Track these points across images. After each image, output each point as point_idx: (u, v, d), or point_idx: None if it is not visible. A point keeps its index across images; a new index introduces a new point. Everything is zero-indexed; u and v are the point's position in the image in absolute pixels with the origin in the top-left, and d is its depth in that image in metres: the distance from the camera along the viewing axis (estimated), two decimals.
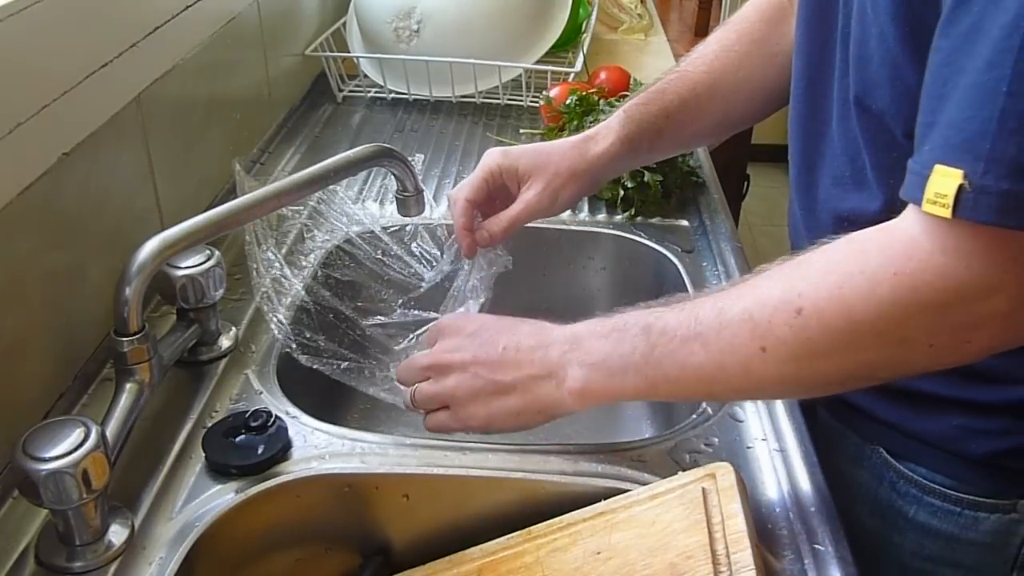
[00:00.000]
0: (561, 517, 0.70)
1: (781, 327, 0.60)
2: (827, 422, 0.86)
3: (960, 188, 0.52)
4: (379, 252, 0.93)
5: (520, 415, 0.72)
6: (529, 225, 1.12)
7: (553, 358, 0.69)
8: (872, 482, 0.84)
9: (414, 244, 0.92)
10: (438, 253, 0.91)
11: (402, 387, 0.80)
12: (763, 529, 0.69)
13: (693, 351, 0.64)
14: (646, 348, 0.66)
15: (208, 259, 0.83)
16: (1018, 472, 0.77)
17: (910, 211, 0.58)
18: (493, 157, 0.87)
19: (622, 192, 1.13)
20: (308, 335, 0.86)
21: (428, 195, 1.12)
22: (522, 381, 0.70)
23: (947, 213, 0.53)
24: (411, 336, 0.87)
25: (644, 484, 0.71)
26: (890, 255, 0.57)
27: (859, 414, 0.84)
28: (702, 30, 4.38)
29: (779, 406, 0.81)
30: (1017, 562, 0.79)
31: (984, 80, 0.52)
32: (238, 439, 0.75)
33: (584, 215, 1.14)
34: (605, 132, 0.89)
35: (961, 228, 0.54)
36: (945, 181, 0.53)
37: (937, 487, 0.79)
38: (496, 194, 0.88)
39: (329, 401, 1.02)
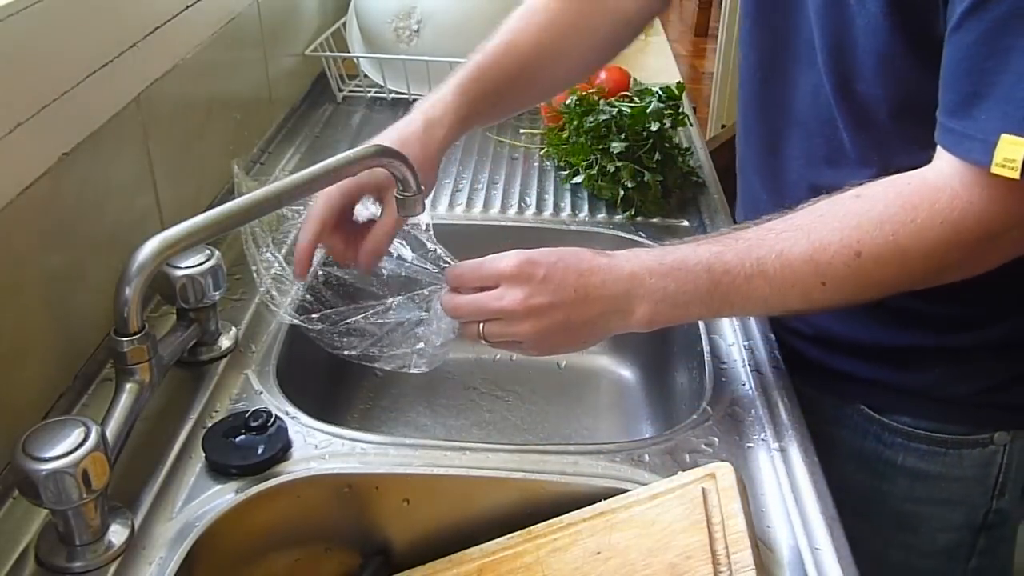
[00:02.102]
0: (561, 517, 0.70)
1: (841, 267, 0.70)
2: (800, 389, 0.88)
3: None
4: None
5: (588, 343, 0.80)
6: (529, 226, 1.13)
7: (619, 295, 0.75)
8: (856, 439, 0.89)
9: (409, 244, 0.92)
10: (436, 251, 0.91)
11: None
12: (763, 529, 0.69)
13: (757, 286, 0.72)
14: (710, 285, 0.73)
15: (208, 259, 0.83)
16: (995, 407, 0.84)
17: (947, 167, 0.68)
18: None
19: (622, 192, 1.13)
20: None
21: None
22: (594, 317, 0.76)
23: (1015, 175, 0.63)
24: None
25: (644, 484, 0.71)
26: (937, 208, 0.68)
27: (837, 377, 0.89)
28: (702, 30, 4.40)
29: (779, 406, 0.81)
30: (996, 490, 0.87)
31: None
32: (238, 439, 0.75)
33: (584, 215, 1.15)
34: (442, 113, 0.88)
35: (996, 181, 0.64)
36: (1014, 148, 0.62)
37: (922, 432, 0.86)
38: (362, 193, 0.85)
39: (329, 401, 1.02)
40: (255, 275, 0.87)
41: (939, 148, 0.69)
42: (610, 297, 0.75)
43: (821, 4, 0.77)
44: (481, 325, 0.77)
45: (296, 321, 0.85)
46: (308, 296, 0.93)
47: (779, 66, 0.85)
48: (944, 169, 0.68)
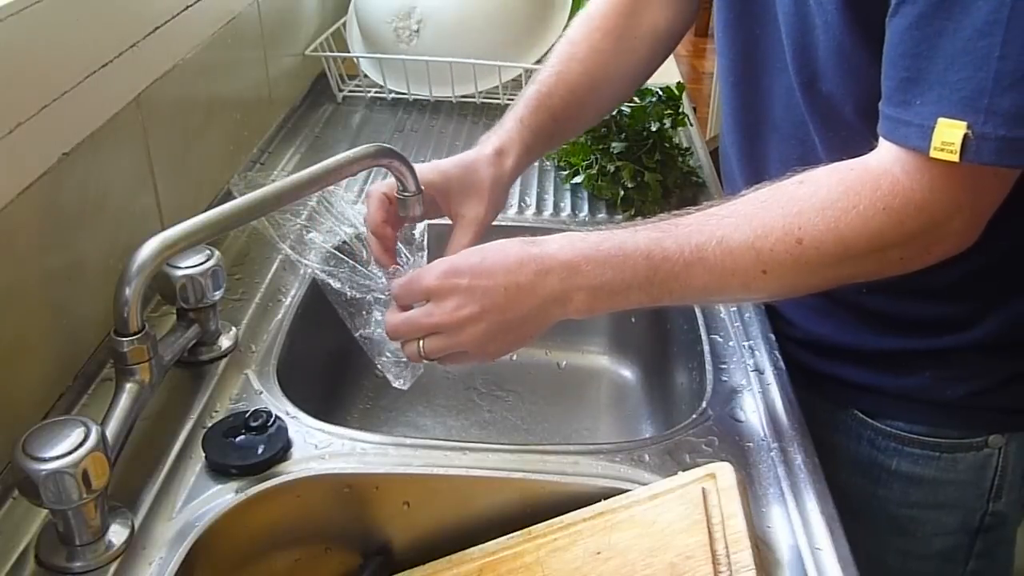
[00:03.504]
0: (561, 517, 0.70)
1: (782, 255, 0.69)
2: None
3: (965, 137, 0.62)
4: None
5: (532, 336, 0.76)
6: (529, 226, 1.13)
7: (554, 285, 0.73)
8: (850, 444, 0.89)
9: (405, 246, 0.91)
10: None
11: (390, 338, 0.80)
12: (763, 529, 0.69)
13: (696, 273, 0.71)
14: (648, 271, 0.72)
15: (208, 259, 0.83)
16: (988, 410, 0.84)
17: (888, 154, 0.68)
18: (427, 174, 0.86)
19: (622, 192, 1.13)
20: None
21: None
22: (531, 312, 0.74)
23: (955, 158, 0.62)
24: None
25: (644, 484, 0.71)
26: (879, 195, 0.67)
27: (829, 381, 0.89)
28: (702, 30, 4.39)
29: (779, 406, 0.81)
30: (992, 493, 0.87)
31: (976, 47, 0.61)
32: (238, 439, 0.75)
33: (584, 215, 1.15)
34: (509, 145, 0.92)
35: (936, 167, 0.64)
36: (950, 131, 0.62)
37: (916, 436, 0.86)
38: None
39: (329, 401, 1.02)
40: (274, 237, 0.87)
41: (880, 137, 0.69)
42: (545, 289, 0.73)
43: (787, 7, 0.78)
44: (421, 342, 0.76)
45: (321, 275, 0.84)
46: (336, 253, 0.91)
47: (754, 71, 0.86)
48: (885, 156, 0.68)
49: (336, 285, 0.84)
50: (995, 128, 0.61)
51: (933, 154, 0.63)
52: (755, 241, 0.70)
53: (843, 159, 0.75)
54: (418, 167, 0.87)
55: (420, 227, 0.90)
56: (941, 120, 0.63)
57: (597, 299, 0.73)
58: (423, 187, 0.84)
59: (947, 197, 0.66)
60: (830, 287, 0.74)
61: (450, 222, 0.90)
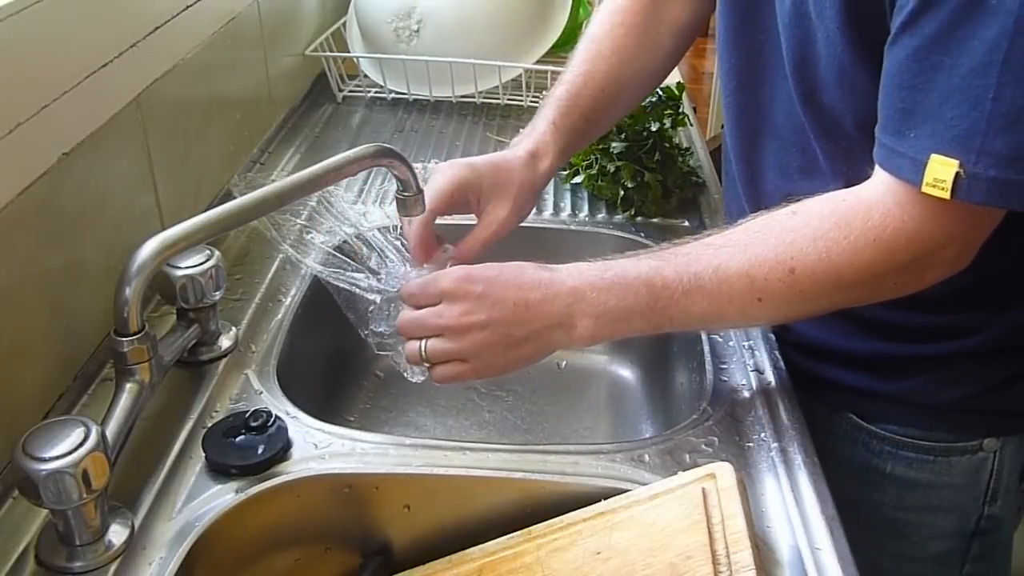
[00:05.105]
0: (561, 517, 0.70)
1: (776, 283, 0.71)
2: None
3: (957, 176, 0.63)
4: (375, 253, 0.92)
5: (531, 359, 0.78)
6: (529, 226, 1.13)
7: (560, 309, 0.75)
8: (845, 447, 0.90)
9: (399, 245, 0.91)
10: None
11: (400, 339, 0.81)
12: (763, 529, 0.69)
13: (695, 301, 0.73)
14: (649, 299, 0.74)
15: (208, 259, 0.83)
16: (983, 413, 0.85)
17: (881, 184, 0.69)
18: (460, 170, 0.88)
19: (622, 192, 1.13)
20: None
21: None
22: (535, 332, 0.76)
23: (946, 195, 0.63)
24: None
25: (644, 484, 0.71)
26: (870, 225, 0.69)
27: (824, 385, 0.89)
28: (703, 30, 4.38)
29: (779, 406, 0.81)
30: (987, 496, 0.87)
31: (971, 86, 0.62)
32: (238, 439, 0.75)
33: (584, 215, 1.15)
34: (544, 148, 0.93)
35: (927, 200, 0.65)
36: (943, 169, 0.63)
37: (910, 440, 0.86)
38: (456, 204, 0.89)
39: (329, 401, 1.02)
40: (275, 238, 0.87)
41: (876, 165, 0.69)
42: (551, 312, 0.75)
43: (787, 16, 0.78)
44: (423, 344, 0.77)
45: (324, 276, 0.85)
46: (336, 254, 0.92)
47: (754, 76, 0.86)
48: (879, 187, 0.69)
49: (341, 285, 0.84)
50: (986, 169, 0.62)
51: (925, 189, 0.64)
52: (750, 270, 0.72)
53: (844, 168, 0.77)
54: (451, 161, 0.90)
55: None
56: (934, 156, 0.63)
57: (600, 326, 0.75)
58: (454, 182, 0.86)
59: (938, 229, 0.67)
60: (826, 313, 0.75)
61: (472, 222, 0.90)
